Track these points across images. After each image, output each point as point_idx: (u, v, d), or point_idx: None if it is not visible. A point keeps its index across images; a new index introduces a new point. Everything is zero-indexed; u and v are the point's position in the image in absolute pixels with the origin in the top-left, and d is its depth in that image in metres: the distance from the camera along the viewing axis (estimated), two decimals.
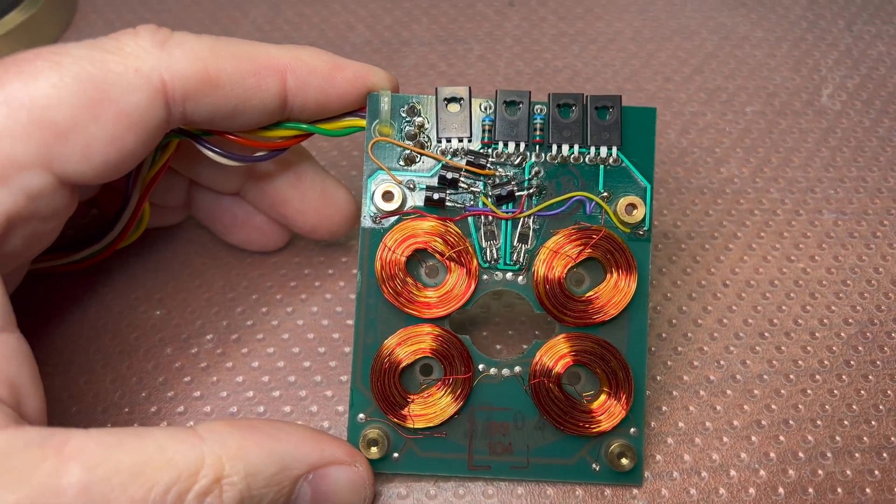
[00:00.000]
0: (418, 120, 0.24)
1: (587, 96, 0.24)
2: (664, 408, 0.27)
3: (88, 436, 0.18)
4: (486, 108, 0.24)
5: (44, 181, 0.20)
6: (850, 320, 0.29)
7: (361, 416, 0.24)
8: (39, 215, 0.21)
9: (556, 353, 0.24)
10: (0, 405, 0.19)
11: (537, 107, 0.24)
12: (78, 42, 0.21)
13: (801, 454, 0.25)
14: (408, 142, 0.24)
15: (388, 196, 0.24)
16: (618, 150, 0.24)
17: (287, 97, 0.23)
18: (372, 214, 0.24)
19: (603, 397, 0.24)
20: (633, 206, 0.24)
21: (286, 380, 0.27)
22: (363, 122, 0.25)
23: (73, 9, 0.41)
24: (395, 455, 0.24)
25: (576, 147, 0.24)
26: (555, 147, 0.24)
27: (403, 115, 0.24)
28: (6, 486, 0.17)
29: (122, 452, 0.18)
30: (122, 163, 0.21)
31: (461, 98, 0.24)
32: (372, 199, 0.24)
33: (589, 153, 0.24)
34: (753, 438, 0.26)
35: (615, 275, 0.24)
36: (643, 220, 0.24)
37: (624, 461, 0.24)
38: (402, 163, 0.24)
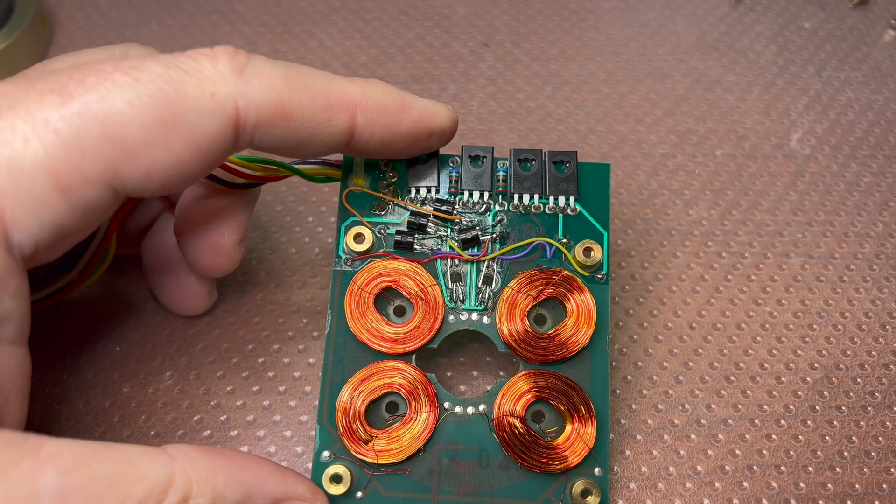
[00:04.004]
0: (390, 171, 0.26)
1: (545, 152, 0.26)
2: (628, 452, 0.26)
3: (62, 443, 0.18)
4: (452, 162, 0.26)
5: (102, 196, 0.20)
6: (816, 365, 0.29)
7: (326, 453, 0.24)
8: (87, 228, 0.20)
9: (518, 390, 0.24)
10: None
11: (500, 161, 0.26)
12: (156, 57, 0.20)
13: (764, 501, 0.25)
14: (379, 191, 0.26)
15: (359, 238, 0.25)
16: (575, 200, 0.26)
17: (354, 133, 0.23)
18: (344, 256, 0.25)
19: (566, 433, 0.24)
20: (589, 248, 0.25)
21: (244, 419, 0.27)
22: (339, 174, 0.26)
23: (48, 41, 0.41)
24: (359, 494, 0.24)
25: (536, 197, 0.26)
26: (516, 197, 0.26)
27: (376, 166, 0.26)
28: None
29: (96, 462, 0.18)
30: (180, 184, 0.21)
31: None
32: (344, 241, 0.25)
33: (548, 203, 0.26)
34: (717, 484, 0.26)
35: (575, 313, 0.24)
36: (601, 263, 0.25)
37: (589, 499, 0.23)
38: (373, 210, 0.26)
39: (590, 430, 0.24)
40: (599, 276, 0.25)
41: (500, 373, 0.28)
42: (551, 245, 0.25)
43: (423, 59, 0.41)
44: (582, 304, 0.24)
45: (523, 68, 0.40)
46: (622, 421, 0.27)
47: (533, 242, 0.25)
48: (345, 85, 0.22)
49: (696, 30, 0.43)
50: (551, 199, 0.26)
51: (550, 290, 0.24)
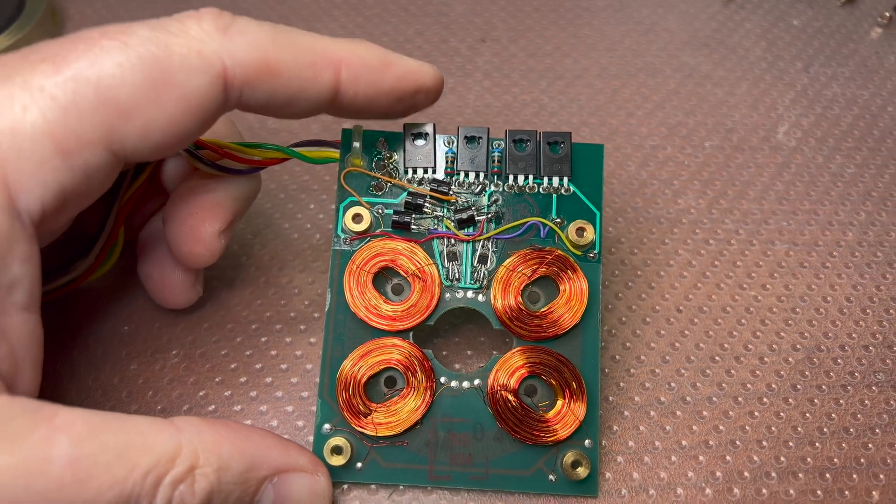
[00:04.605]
0: (387, 152, 0.26)
1: (540, 132, 0.27)
2: (615, 427, 0.27)
3: (75, 413, 0.19)
4: (449, 142, 0.26)
5: (102, 159, 0.20)
6: (798, 346, 0.30)
7: (327, 426, 0.25)
8: (91, 192, 0.21)
9: (512, 366, 0.25)
10: None
11: (495, 142, 0.27)
12: (143, 22, 0.21)
13: (746, 473, 0.26)
14: (377, 171, 0.26)
15: (357, 218, 0.26)
16: (569, 180, 0.26)
17: (339, 90, 0.23)
18: (343, 236, 0.26)
19: (558, 406, 0.25)
20: (582, 229, 0.25)
21: (248, 395, 0.28)
22: (337, 154, 0.26)
23: (58, 36, 0.42)
24: (359, 465, 0.25)
25: (530, 177, 0.26)
26: (511, 177, 0.26)
27: (374, 147, 0.26)
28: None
29: (107, 432, 0.19)
30: (176, 144, 0.22)
31: (426, 133, 0.26)
32: (343, 221, 0.26)
33: (542, 183, 0.26)
34: (701, 458, 0.27)
35: (567, 291, 0.25)
36: (593, 242, 0.26)
37: (579, 470, 0.24)
38: (371, 190, 0.26)
39: (580, 405, 0.25)
40: (591, 255, 0.26)
41: (494, 351, 0.29)
42: (545, 225, 0.26)
43: (421, 53, 0.42)
44: (574, 282, 0.25)
45: (519, 63, 0.41)
46: (610, 398, 0.28)
47: (527, 222, 0.26)
48: (329, 43, 0.23)
49: (687, 27, 0.44)
50: (545, 179, 0.26)
51: (544, 269, 0.25)
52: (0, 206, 0.19)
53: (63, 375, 0.28)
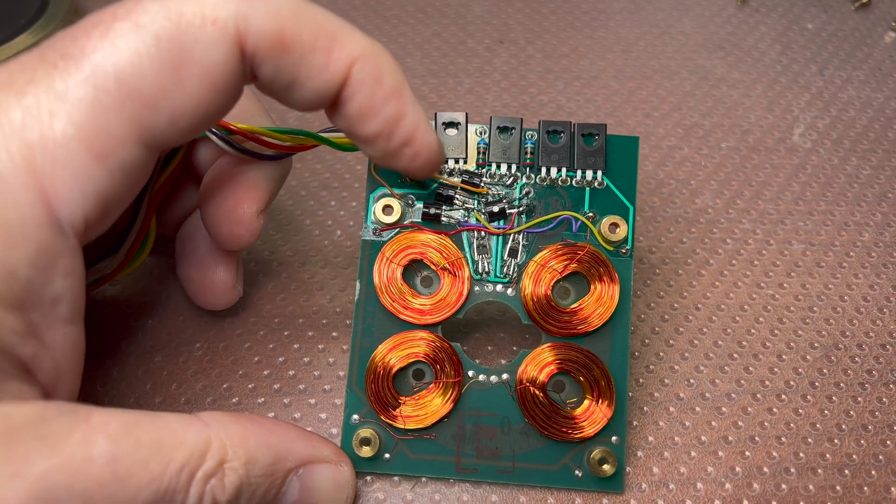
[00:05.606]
0: None
1: (575, 124, 0.26)
2: (635, 422, 0.28)
3: (108, 412, 0.19)
4: (480, 133, 0.26)
5: (137, 154, 0.20)
6: (816, 344, 0.30)
7: (355, 417, 0.25)
8: (130, 191, 0.21)
9: (541, 361, 0.25)
10: (36, 385, 0.19)
11: (528, 133, 0.26)
12: None
13: (765, 469, 0.26)
14: None
15: (387, 209, 0.26)
16: (602, 174, 0.26)
17: (345, 87, 0.21)
18: (372, 227, 0.26)
19: (586, 404, 0.25)
20: (615, 224, 0.25)
21: (271, 388, 0.28)
22: None
23: None
24: (387, 456, 0.25)
25: (563, 170, 0.26)
26: (544, 169, 0.26)
27: None
28: (40, 452, 0.18)
29: (140, 430, 0.19)
30: (205, 123, 0.21)
31: (458, 122, 0.26)
32: (373, 212, 0.26)
33: (575, 176, 0.26)
34: (720, 453, 0.27)
35: (598, 288, 0.25)
36: (625, 238, 0.25)
37: (605, 467, 0.25)
38: (401, 180, 0.26)
39: (608, 403, 0.25)
40: (624, 251, 0.26)
41: (522, 347, 0.29)
42: (577, 219, 0.26)
43: (439, 54, 0.42)
44: (606, 280, 0.25)
45: (536, 64, 0.42)
46: (630, 393, 0.28)
47: (559, 216, 0.26)
48: (355, 34, 0.21)
49: (703, 30, 0.44)
50: (579, 172, 0.26)
51: (575, 265, 0.25)
52: (42, 222, 0.19)
53: (88, 367, 0.28)
